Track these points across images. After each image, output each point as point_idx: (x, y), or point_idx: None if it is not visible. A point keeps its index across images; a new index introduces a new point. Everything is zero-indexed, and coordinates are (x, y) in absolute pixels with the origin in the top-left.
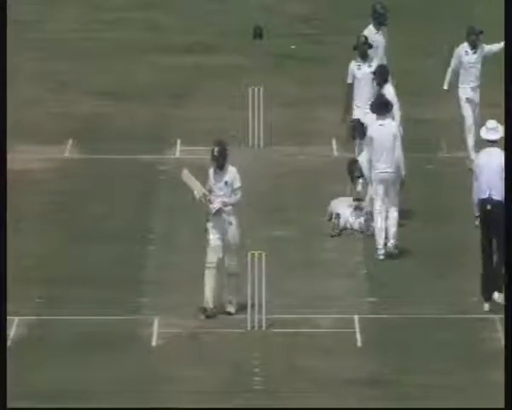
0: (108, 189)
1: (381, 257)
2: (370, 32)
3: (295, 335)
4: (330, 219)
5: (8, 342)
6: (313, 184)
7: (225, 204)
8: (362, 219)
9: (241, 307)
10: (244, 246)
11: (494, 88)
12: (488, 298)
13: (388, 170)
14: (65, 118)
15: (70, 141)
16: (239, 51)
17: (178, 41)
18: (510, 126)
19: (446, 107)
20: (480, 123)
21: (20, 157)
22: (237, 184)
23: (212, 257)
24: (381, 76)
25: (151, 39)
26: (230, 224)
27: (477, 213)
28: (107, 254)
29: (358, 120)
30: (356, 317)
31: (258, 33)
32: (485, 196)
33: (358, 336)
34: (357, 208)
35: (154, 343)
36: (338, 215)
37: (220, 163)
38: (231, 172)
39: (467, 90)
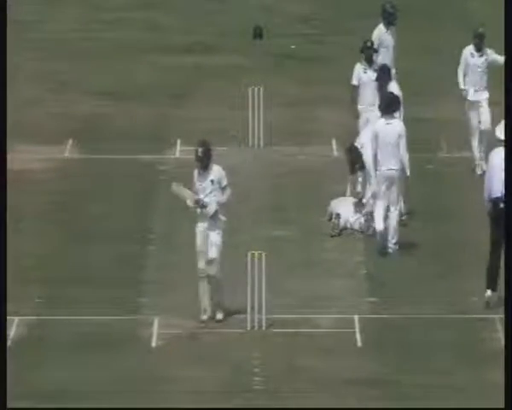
0: (108, 189)
1: (383, 253)
2: (381, 30)
3: (295, 335)
4: (330, 219)
5: (8, 342)
6: (313, 184)
7: (219, 204)
8: (362, 219)
9: (242, 308)
10: (237, 246)
11: (494, 86)
12: (493, 288)
13: (392, 168)
14: (65, 118)
15: (70, 141)
16: (239, 51)
17: (178, 41)
18: (510, 125)
19: (446, 106)
20: (484, 129)
21: (20, 157)
22: (224, 182)
23: (201, 264)
24: (383, 76)
25: (151, 39)
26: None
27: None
28: (107, 254)
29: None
30: (356, 317)
31: (258, 33)
32: (499, 194)
33: (358, 336)
34: (358, 208)
35: (153, 343)
36: (338, 215)
37: (204, 163)
38: (216, 171)
39: (470, 93)
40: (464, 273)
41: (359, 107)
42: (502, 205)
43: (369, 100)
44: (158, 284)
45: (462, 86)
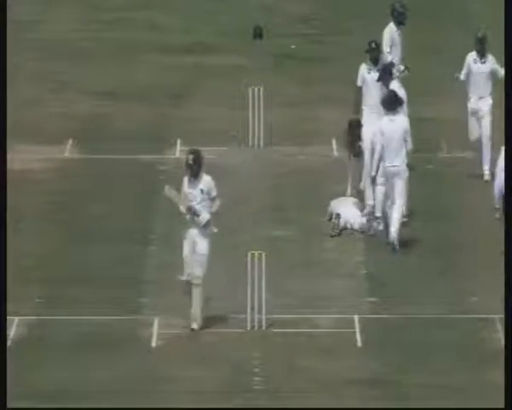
0: (108, 189)
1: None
2: (391, 29)
3: (295, 335)
4: (330, 219)
5: (8, 342)
6: (313, 184)
7: (211, 214)
8: (362, 219)
9: (242, 307)
10: (237, 246)
11: (494, 89)
12: None
13: (396, 164)
14: (65, 118)
15: (70, 141)
16: (239, 51)
17: (178, 41)
18: (510, 126)
19: (447, 106)
20: (488, 136)
21: (20, 157)
22: (214, 193)
23: (189, 272)
24: (385, 76)
25: (151, 39)
26: (203, 234)
27: (497, 206)
28: (107, 254)
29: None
30: (356, 317)
31: (258, 33)
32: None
33: (358, 336)
34: (358, 208)
35: (153, 344)
36: (338, 215)
37: (195, 171)
38: (206, 181)
39: (472, 101)
40: (464, 273)
41: (363, 107)
42: None
43: (373, 99)
44: (158, 284)
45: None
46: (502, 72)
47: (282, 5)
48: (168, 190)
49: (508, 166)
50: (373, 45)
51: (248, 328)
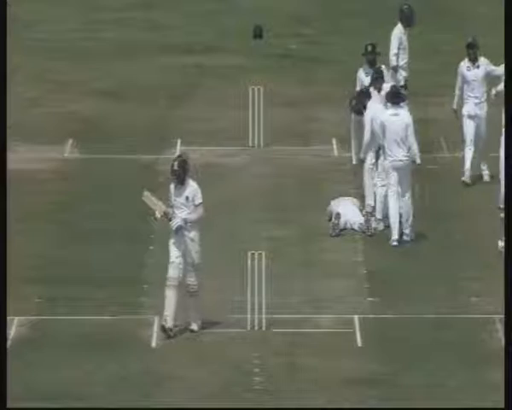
0: (108, 189)
1: (395, 243)
2: (400, 31)
3: (295, 335)
4: (330, 219)
5: (8, 342)
6: (313, 184)
7: (186, 221)
8: (362, 219)
9: (242, 308)
10: (237, 246)
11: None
12: None
13: (402, 158)
14: (65, 118)
15: (70, 141)
16: (239, 51)
17: (178, 41)
18: (510, 127)
19: (447, 107)
20: (485, 139)
21: (20, 157)
22: (198, 200)
23: (173, 274)
24: (379, 80)
25: (151, 39)
26: (192, 241)
27: (502, 205)
28: (107, 254)
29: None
30: (356, 317)
31: (258, 33)
32: None
33: (358, 336)
34: (358, 208)
35: (153, 343)
36: (338, 215)
37: (181, 178)
38: (192, 188)
39: (468, 106)
40: (464, 273)
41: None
42: None
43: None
44: (158, 284)
45: (454, 106)
46: (499, 69)
47: (282, 5)
48: (146, 197)
49: (508, 166)
50: (369, 48)
51: (248, 328)
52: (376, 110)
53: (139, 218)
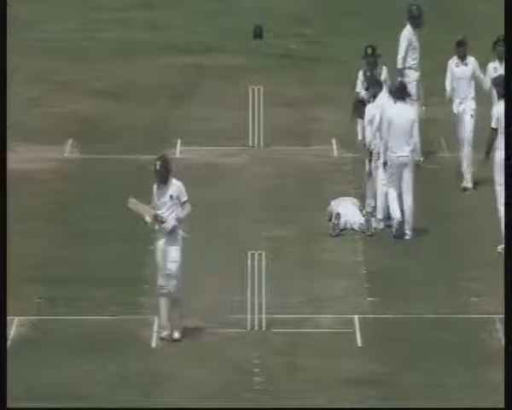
0: (108, 189)
1: (399, 219)
2: (410, 32)
3: (295, 335)
4: (330, 219)
5: (8, 342)
6: (313, 184)
7: (179, 220)
8: (362, 219)
9: (242, 308)
10: (237, 246)
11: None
12: None
13: (405, 154)
14: (65, 118)
15: (70, 141)
16: (239, 51)
17: (178, 41)
18: (510, 127)
19: (447, 107)
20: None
21: (20, 157)
22: (184, 197)
23: (160, 282)
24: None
25: (151, 39)
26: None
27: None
28: (107, 254)
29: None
30: (356, 317)
31: (258, 33)
32: None
33: (358, 336)
34: (358, 208)
35: (153, 344)
36: (338, 215)
37: (164, 177)
38: (176, 186)
39: (456, 104)
40: (464, 273)
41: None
42: None
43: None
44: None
45: (448, 94)
46: (485, 80)
47: (282, 5)
48: (132, 204)
49: (508, 167)
50: (369, 51)
51: (248, 328)
52: (384, 105)
53: (139, 218)
